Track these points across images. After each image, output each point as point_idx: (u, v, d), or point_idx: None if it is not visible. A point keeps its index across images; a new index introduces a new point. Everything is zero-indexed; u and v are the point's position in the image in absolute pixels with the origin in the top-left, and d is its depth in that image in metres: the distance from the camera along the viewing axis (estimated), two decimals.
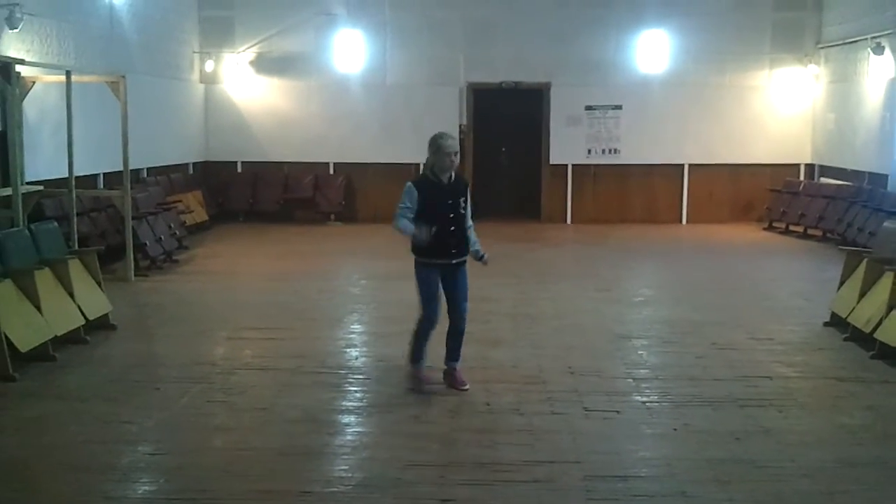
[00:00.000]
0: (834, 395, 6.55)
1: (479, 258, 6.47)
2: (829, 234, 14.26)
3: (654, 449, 5.52)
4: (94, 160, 11.54)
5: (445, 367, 6.57)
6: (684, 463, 5.22)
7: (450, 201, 6.32)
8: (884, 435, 5.74)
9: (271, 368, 7.16)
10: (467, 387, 6.45)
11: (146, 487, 4.97)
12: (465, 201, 6.40)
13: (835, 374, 7.06)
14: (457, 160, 6.33)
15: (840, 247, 10.69)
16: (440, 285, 6.42)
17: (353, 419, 6.09)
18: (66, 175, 9.83)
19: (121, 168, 10.63)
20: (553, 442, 5.55)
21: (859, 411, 6.17)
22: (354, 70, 16.38)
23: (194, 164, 16.35)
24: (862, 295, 7.96)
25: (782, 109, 16.49)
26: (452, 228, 6.32)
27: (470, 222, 6.47)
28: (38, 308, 7.28)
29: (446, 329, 6.54)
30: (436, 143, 6.31)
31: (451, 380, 6.52)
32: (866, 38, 13.99)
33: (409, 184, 6.37)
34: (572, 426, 5.83)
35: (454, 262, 6.39)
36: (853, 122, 14.83)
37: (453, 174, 6.38)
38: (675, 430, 5.81)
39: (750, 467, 5.16)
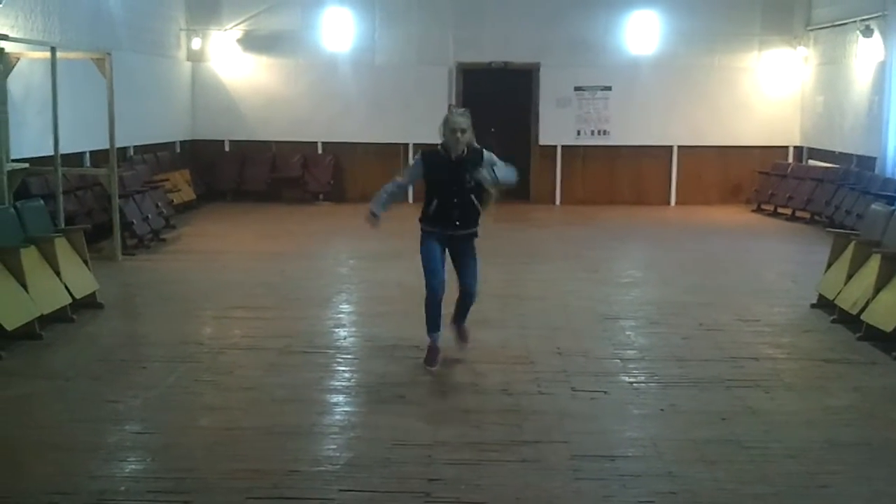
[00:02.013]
0: (820, 377, 6.58)
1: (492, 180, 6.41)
2: (816, 217, 14.30)
3: (641, 429, 5.53)
4: (81, 138, 11.44)
5: (453, 322, 6.77)
6: (671, 443, 5.24)
7: (453, 176, 6.31)
8: (869, 416, 5.78)
9: (259, 348, 7.14)
10: (468, 344, 6.77)
11: (133, 466, 4.95)
12: (474, 175, 6.32)
13: (821, 355, 7.09)
14: (463, 137, 6.29)
15: (828, 229, 10.72)
16: (442, 258, 6.49)
17: (340, 399, 6.08)
18: (52, 153, 9.75)
19: (107, 146, 10.55)
20: (540, 422, 5.56)
21: (845, 393, 6.20)
22: (343, 49, 16.28)
23: (181, 142, 16.24)
24: (849, 277, 7.99)
25: (771, 91, 16.49)
26: (455, 201, 6.35)
27: (504, 172, 6.47)
28: (24, 286, 7.24)
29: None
30: (444, 119, 6.41)
31: (458, 335, 6.78)
32: (855, 21, 13.99)
33: (419, 155, 6.56)
34: (560, 406, 5.84)
35: (457, 233, 6.43)
36: (842, 104, 14.84)
37: (466, 150, 6.36)
38: (661, 410, 5.83)
39: (736, 448, 5.18)
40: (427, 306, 6.54)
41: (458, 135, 6.28)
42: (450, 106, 16.05)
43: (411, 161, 6.55)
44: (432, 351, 6.61)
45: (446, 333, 6.73)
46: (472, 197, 6.39)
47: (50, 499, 4.45)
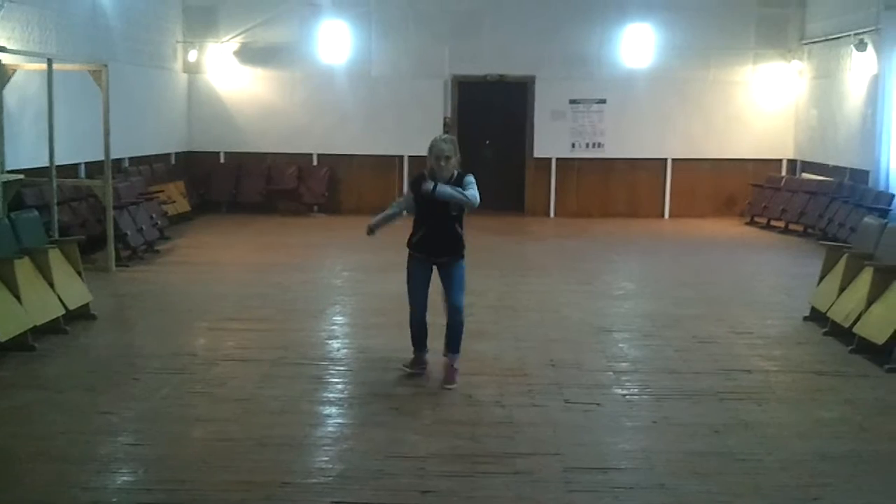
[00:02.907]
0: (813, 389, 6.60)
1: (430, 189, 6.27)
2: (810, 230, 14.35)
3: (634, 441, 5.54)
4: (76, 149, 11.47)
5: (444, 354, 6.62)
6: (663, 455, 5.25)
7: (438, 204, 6.32)
8: (861, 428, 5.79)
9: (252, 360, 7.14)
10: (451, 386, 6.41)
11: (125, 478, 4.95)
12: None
13: (814, 368, 7.12)
14: (447, 164, 6.31)
15: (821, 242, 10.75)
16: (426, 281, 6.56)
17: (333, 410, 6.08)
18: (47, 164, 9.76)
19: (102, 157, 10.57)
20: (533, 434, 5.57)
21: (838, 405, 6.22)
22: (339, 61, 16.32)
23: (177, 154, 16.26)
24: (842, 290, 8.02)
25: (765, 105, 16.56)
26: (439, 231, 6.40)
27: (469, 193, 6.30)
28: (18, 297, 7.23)
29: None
30: (430, 146, 6.42)
31: (444, 372, 6.56)
32: (849, 35, 14.06)
33: (409, 183, 6.64)
34: (553, 418, 5.85)
35: (440, 260, 6.50)
36: (835, 118, 14.91)
37: (455, 176, 6.37)
38: (654, 422, 5.84)
39: (728, 460, 5.19)
40: (411, 325, 6.69)
41: (443, 162, 6.31)
42: (445, 119, 16.13)
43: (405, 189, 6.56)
44: (416, 359, 6.74)
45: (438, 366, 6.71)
46: (456, 226, 6.43)
47: None
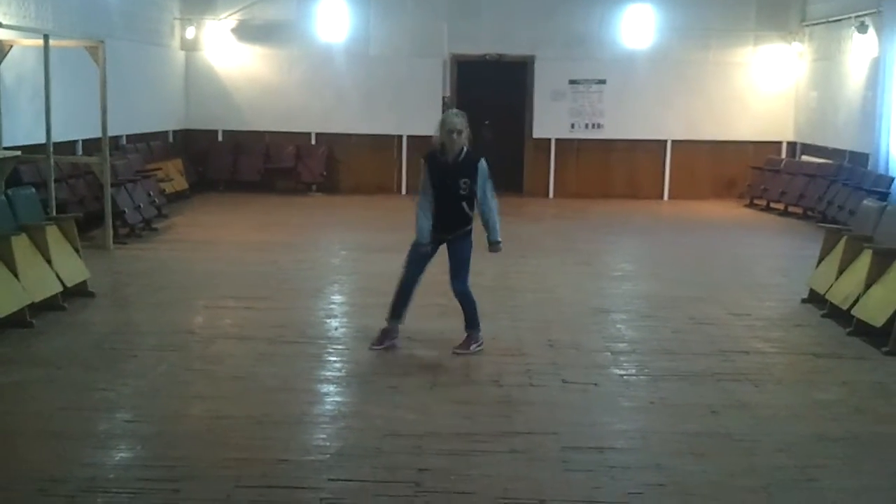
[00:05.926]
0: (810, 371, 6.62)
1: (491, 244, 6.69)
2: (809, 212, 14.33)
3: (631, 421, 5.55)
4: (73, 126, 11.41)
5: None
6: (660, 435, 5.27)
7: (448, 181, 6.49)
8: (857, 410, 5.80)
9: (250, 338, 7.14)
10: (461, 352, 6.63)
11: (123, 454, 4.95)
12: (469, 182, 6.48)
13: (811, 350, 7.12)
14: (459, 138, 6.46)
15: (820, 224, 10.74)
16: (428, 254, 6.66)
17: (331, 389, 6.09)
18: (44, 141, 9.72)
19: (99, 134, 10.52)
20: (531, 413, 5.58)
21: (835, 387, 6.22)
22: (338, 40, 16.23)
23: (174, 131, 16.20)
24: (840, 272, 8.01)
25: (765, 87, 16.51)
26: (446, 206, 6.53)
27: (491, 203, 6.61)
28: (15, 274, 7.21)
29: None
30: (441, 120, 6.58)
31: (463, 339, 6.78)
32: (850, 17, 14.00)
33: (423, 158, 6.69)
34: (550, 398, 5.85)
35: (445, 237, 6.61)
36: (835, 100, 14.87)
37: (464, 152, 6.51)
38: (651, 403, 5.85)
39: (725, 441, 5.20)
40: (397, 289, 6.71)
41: (455, 136, 6.46)
42: (443, 98, 16.06)
43: (422, 167, 6.71)
44: (383, 332, 6.74)
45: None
46: (464, 204, 6.54)
47: (40, 485, 4.45)
